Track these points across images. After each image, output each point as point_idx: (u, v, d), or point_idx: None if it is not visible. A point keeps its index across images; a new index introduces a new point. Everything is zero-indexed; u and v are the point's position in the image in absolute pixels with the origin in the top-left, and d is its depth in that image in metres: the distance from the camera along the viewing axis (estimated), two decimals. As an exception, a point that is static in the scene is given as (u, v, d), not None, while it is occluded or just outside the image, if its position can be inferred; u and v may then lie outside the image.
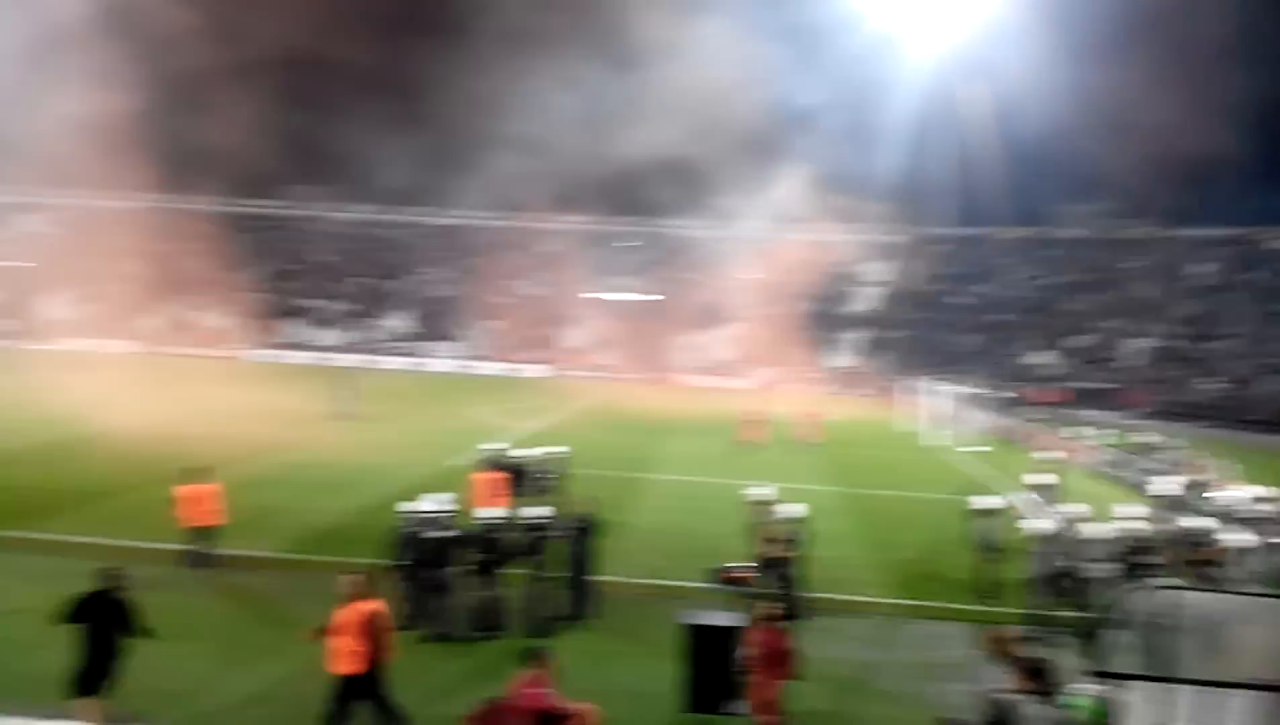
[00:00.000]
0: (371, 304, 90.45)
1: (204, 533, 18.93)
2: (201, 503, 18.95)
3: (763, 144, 68.59)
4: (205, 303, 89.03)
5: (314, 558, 19.68)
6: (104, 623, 11.92)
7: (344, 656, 11.68)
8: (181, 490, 19.06)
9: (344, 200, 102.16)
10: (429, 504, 16.75)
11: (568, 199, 79.87)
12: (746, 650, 12.14)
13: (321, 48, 58.67)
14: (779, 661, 12.01)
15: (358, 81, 67.98)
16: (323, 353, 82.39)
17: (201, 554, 18.86)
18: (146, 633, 12.20)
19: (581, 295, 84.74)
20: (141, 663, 13.75)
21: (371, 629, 11.67)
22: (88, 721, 11.69)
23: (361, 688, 11.73)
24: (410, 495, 25.81)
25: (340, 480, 28.12)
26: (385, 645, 11.83)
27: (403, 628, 15.41)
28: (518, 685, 10.38)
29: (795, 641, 12.24)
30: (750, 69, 60.69)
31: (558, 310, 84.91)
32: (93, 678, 11.81)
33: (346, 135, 72.52)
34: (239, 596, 17.19)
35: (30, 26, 44.15)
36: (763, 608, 12.68)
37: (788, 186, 71.15)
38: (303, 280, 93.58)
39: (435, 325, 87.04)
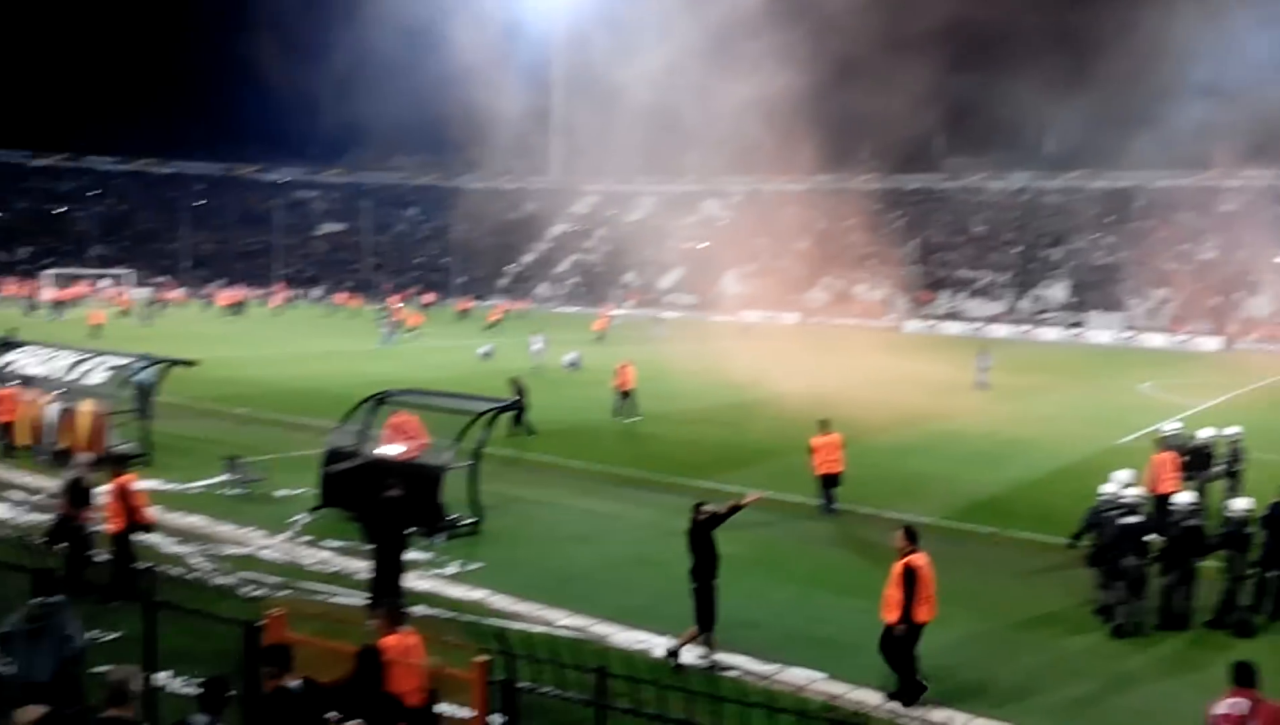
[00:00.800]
0: (1029, 274, 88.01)
1: (830, 480, 20.24)
2: (828, 452, 20.24)
3: None
4: (865, 276, 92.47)
5: (967, 527, 19.53)
6: (703, 554, 12.72)
7: (887, 607, 11.75)
8: (814, 441, 20.41)
9: (1002, 168, 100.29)
10: (1119, 487, 15.48)
11: (1259, 150, 70.83)
12: None
13: (987, 12, 57.28)
14: None
15: (1024, 43, 65.60)
16: (978, 323, 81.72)
17: (830, 500, 20.24)
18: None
19: (1270, 260, 75.13)
20: (810, 612, 14.60)
21: (904, 582, 11.59)
22: (689, 642, 12.51)
23: (896, 637, 11.66)
24: (1071, 473, 24.84)
25: (994, 451, 27.66)
26: (920, 600, 11.60)
27: (1099, 615, 14.61)
28: (1263, 711, 8.98)
29: None
30: None
31: (1238, 277, 76.27)
32: (706, 608, 12.56)
33: (1009, 100, 70.61)
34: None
35: (704, 16, 48.22)
36: None
37: None
38: (960, 251, 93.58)
39: (1096, 295, 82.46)
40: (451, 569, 15.92)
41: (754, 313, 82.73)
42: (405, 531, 13.92)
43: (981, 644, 13.68)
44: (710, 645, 12.54)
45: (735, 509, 13.16)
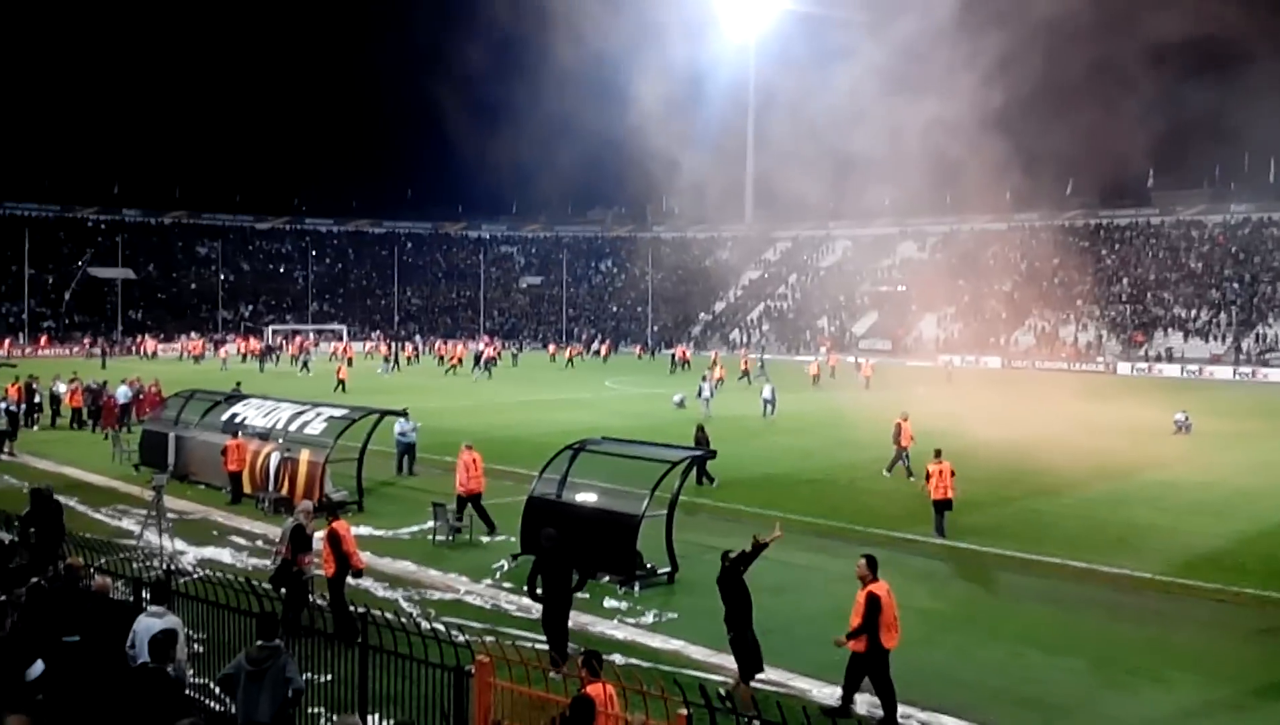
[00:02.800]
0: (1251, 311, 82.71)
1: (943, 504, 21.67)
2: (941, 478, 21.70)
3: None
4: (1073, 317, 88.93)
5: (1191, 583, 18.31)
6: (736, 600, 12.68)
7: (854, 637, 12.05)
8: (929, 467, 21.98)
9: (1220, 200, 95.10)
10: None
11: None
12: None
13: (1199, 28, 53.72)
14: None
15: (1242, 64, 61.19)
16: (1196, 365, 77.29)
17: (941, 524, 21.58)
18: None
19: None
20: (1019, 671, 13.96)
21: (867, 611, 11.87)
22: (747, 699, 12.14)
23: (864, 665, 11.89)
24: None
25: (1216, 502, 25.91)
26: (883, 626, 11.84)
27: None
28: None
29: None
30: None
31: None
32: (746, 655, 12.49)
33: (1226, 127, 66.52)
34: (1114, 615, 16.58)
35: (896, 50, 47.15)
36: None
37: None
38: (1175, 289, 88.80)
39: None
40: (649, 618, 15.94)
41: (953, 357, 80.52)
42: (569, 574, 13.92)
43: (1223, 714, 12.72)
44: (746, 696, 12.15)
45: (760, 548, 13.36)
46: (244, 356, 79.22)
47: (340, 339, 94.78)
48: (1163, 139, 71.24)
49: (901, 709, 12.22)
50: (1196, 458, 33.08)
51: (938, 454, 22.28)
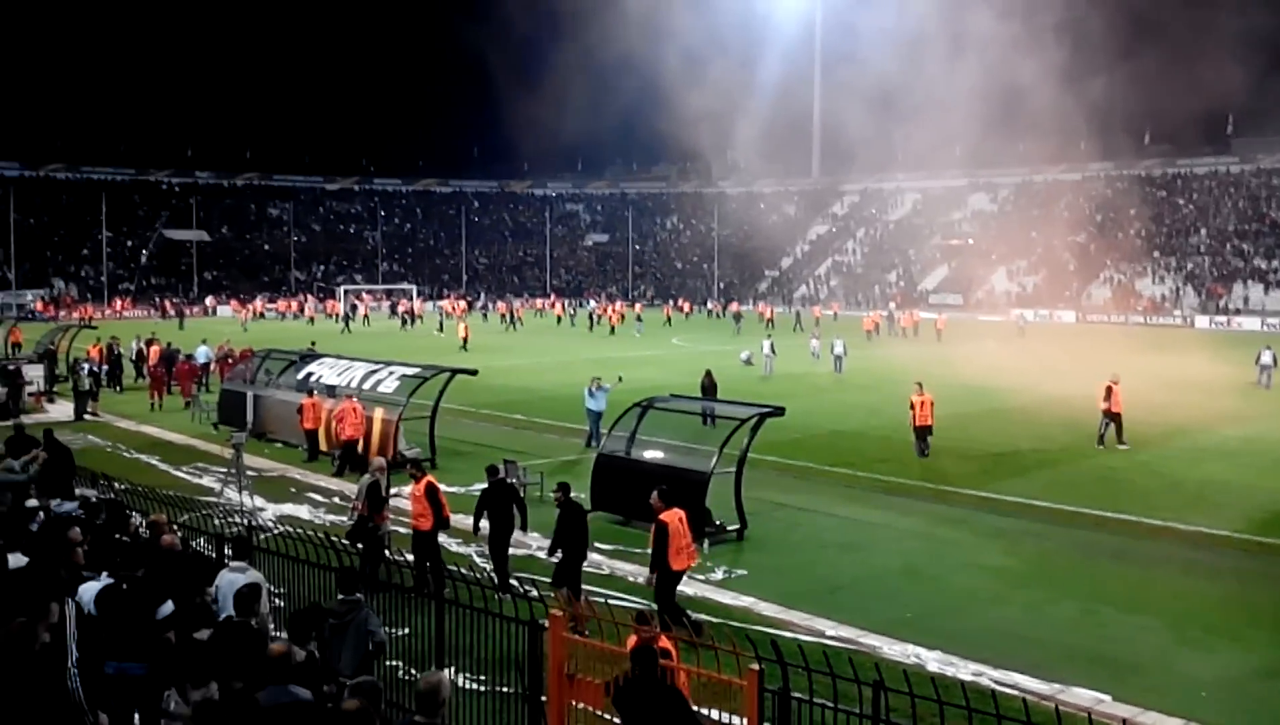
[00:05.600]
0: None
1: (925, 431, 25.02)
2: (923, 408, 24.97)
3: None
4: (1149, 270, 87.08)
5: (1270, 541, 17.96)
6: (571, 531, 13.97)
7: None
8: (913, 398, 25.22)
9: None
10: None
11: None
12: None
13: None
14: None
15: None
16: (1276, 317, 75.28)
17: (923, 447, 24.99)
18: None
19: None
20: (1092, 629, 13.86)
21: (655, 537, 13.13)
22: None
23: (658, 586, 13.27)
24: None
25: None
26: (674, 552, 13.04)
27: None
28: None
29: None
30: None
31: None
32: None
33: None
34: (1190, 572, 16.35)
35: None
36: None
37: None
38: (1254, 240, 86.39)
39: None
40: (718, 575, 16.04)
41: (1026, 311, 79.31)
42: (510, 509, 15.20)
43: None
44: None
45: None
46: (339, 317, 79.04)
47: (409, 298, 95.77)
48: (1244, 85, 69.17)
49: (973, 667, 12.23)
50: (1276, 413, 32.34)
51: (920, 386, 25.33)
